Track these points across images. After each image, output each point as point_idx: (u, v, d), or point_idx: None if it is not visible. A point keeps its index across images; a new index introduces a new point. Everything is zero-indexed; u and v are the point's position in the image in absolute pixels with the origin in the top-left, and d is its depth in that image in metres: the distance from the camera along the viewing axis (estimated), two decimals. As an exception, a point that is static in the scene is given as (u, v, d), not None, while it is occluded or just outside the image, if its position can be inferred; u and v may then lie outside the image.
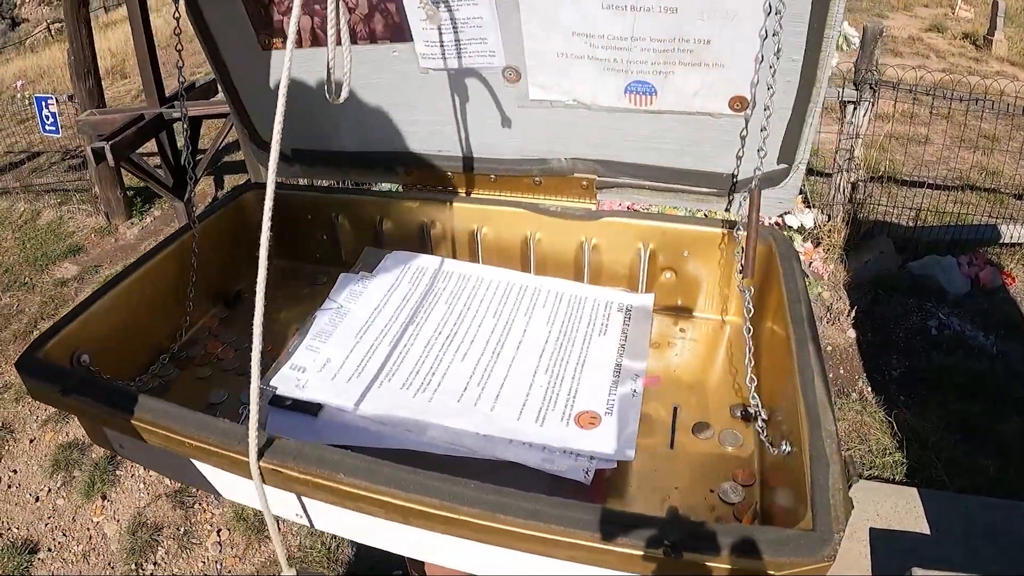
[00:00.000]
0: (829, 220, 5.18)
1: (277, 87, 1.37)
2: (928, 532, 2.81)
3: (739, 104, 1.20)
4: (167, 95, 5.75)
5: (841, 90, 4.87)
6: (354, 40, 1.30)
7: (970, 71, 12.83)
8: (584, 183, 1.35)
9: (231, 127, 5.90)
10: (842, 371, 4.11)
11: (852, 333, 4.37)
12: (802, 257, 4.68)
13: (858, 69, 4.83)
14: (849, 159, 5.03)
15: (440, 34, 1.27)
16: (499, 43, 1.25)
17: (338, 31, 1.00)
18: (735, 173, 1.27)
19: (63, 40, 6.76)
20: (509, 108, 1.33)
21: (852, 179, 5.14)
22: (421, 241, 1.42)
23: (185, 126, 1.43)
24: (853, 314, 4.44)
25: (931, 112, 7.22)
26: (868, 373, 4.10)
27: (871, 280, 4.85)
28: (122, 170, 5.76)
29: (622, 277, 1.32)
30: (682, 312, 1.32)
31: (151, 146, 5.76)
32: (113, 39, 16.86)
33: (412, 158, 1.44)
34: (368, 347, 1.23)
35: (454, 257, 1.40)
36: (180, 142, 6.10)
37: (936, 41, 15.18)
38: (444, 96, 1.35)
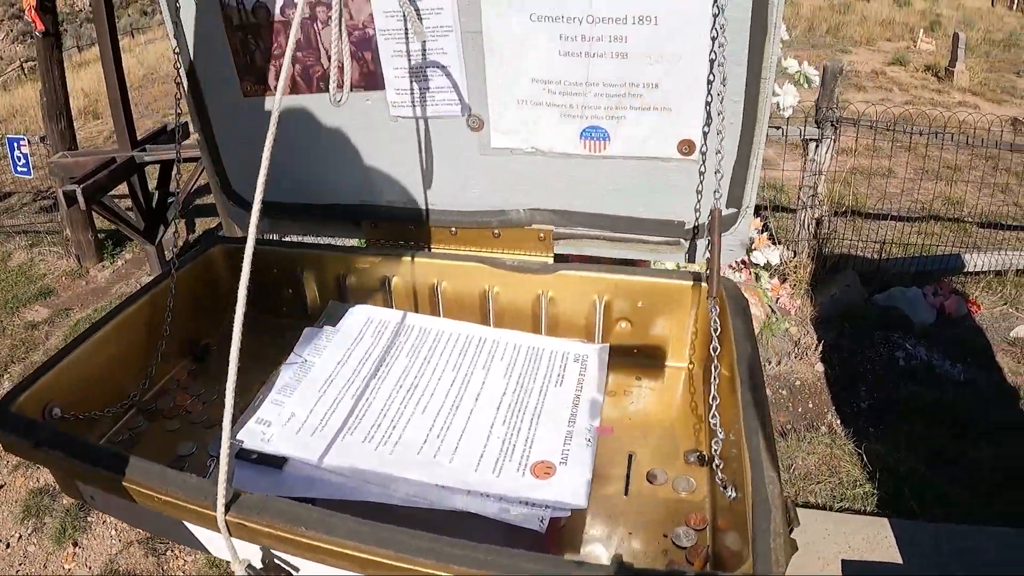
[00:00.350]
0: (795, 256, 5.27)
1: (254, 137, 1.43)
2: (901, 561, 2.85)
3: (687, 148, 1.27)
4: (139, 138, 5.77)
5: (803, 128, 4.97)
6: (328, 88, 1.35)
7: (932, 102, 13.11)
8: (541, 235, 1.40)
9: (202, 171, 5.93)
10: (811, 405, 4.16)
11: (820, 367, 4.43)
12: (769, 293, 4.75)
13: (819, 107, 4.94)
14: (813, 196, 5.12)
15: (411, 82, 1.34)
16: (465, 91, 1.32)
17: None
18: (686, 221, 1.33)
19: (36, 79, 6.77)
20: (472, 156, 1.38)
21: (816, 215, 5.24)
22: (384, 295, 1.45)
23: (178, 174, 1.46)
24: (821, 348, 4.50)
25: (892, 144, 7.37)
26: (837, 406, 4.15)
27: (838, 314, 4.92)
28: (93, 213, 5.75)
29: (578, 328, 1.36)
30: (637, 361, 1.36)
31: (122, 188, 5.75)
32: (86, 79, 16.85)
33: (377, 211, 1.48)
34: (331, 401, 1.26)
35: (415, 311, 1.44)
36: (152, 185, 6.11)
37: (899, 74, 15.50)
38: (411, 144, 1.40)
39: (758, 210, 5.96)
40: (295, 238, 1.65)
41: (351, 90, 1.34)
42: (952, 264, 5.67)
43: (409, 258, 1.42)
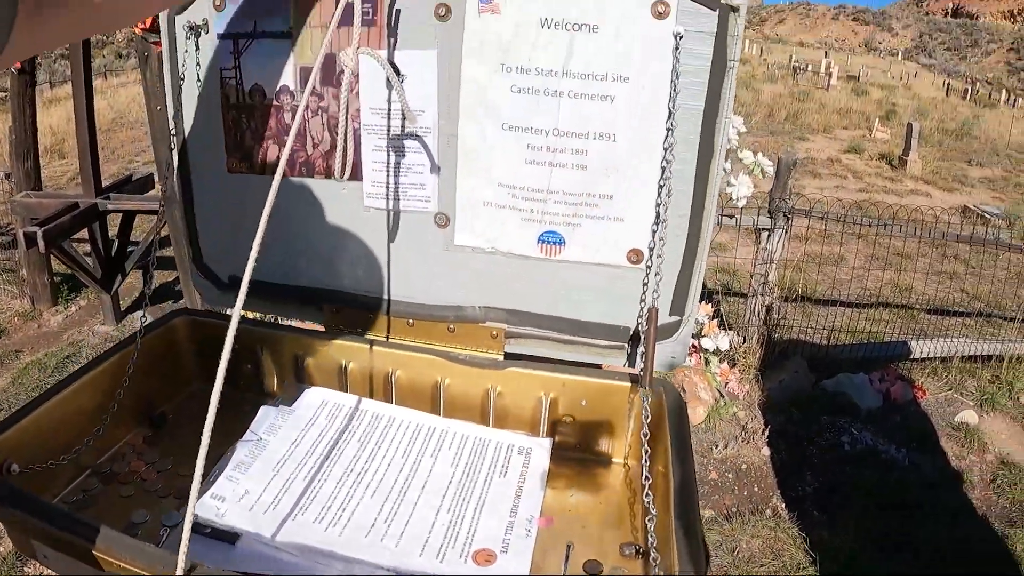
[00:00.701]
0: (744, 341, 5.39)
1: (232, 213, 1.50)
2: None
3: (635, 257, 1.36)
4: (104, 185, 5.78)
5: (756, 218, 5.13)
6: (311, 174, 1.46)
7: (886, 190, 13.58)
8: (494, 332, 1.47)
9: (163, 223, 5.94)
10: (756, 488, 4.23)
11: (766, 451, 4.51)
12: (718, 378, 4.85)
13: (772, 198, 5.11)
14: (764, 283, 5.27)
15: (387, 176, 1.42)
16: (435, 190, 1.41)
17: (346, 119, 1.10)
18: (631, 326, 1.41)
19: (5, 112, 6.77)
20: (436, 252, 1.46)
21: (767, 302, 5.38)
22: (340, 379, 1.51)
23: (155, 242, 1.50)
24: (767, 432, 4.59)
25: (844, 232, 7.59)
26: (782, 490, 4.22)
27: (786, 399, 5.03)
28: (51, 256, 5.74)
29: (524, 422, 1.43)
30: (579, 455, 1.42)
31: (82, 233, 5.75)
32: (55, 116, 16.77)
33: (340, 296, 1.54)
34: (285, 480, 1.30)
35: (370, 396, 1.49)
36: (112, 232, 6.11)
37: (854, 162, 15.99)
38: (380, 235, 1.48)
39: (710, 295, 6.13)
40: (255, 317, 1.70)
41: (327, 178, 1.43)
42: (899, 351, 5.82)
43: (367, 345, 1.47)
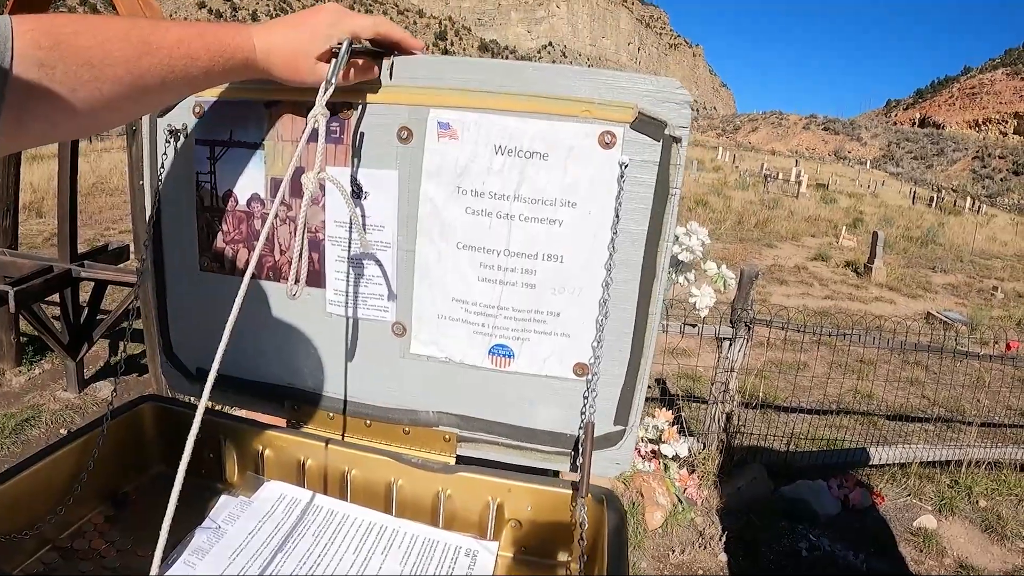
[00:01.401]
0: (704, 448, 5.45)
1: (203, 308, 1.57)
2: None
3: (581, 370, 1.44)
4: (80, 251, 5.81)
5: (718, 328, 5.26)
6: (278, 278, 1.53)
7: (851, 297, 13.89)
8: (446, 436, 1.54)
9: (135, 297, 5.94)
10: (712, 593, 4.23)
11: (723, 557, 4.52)
12: (677, 483, 4.89)
13: (734, 309, 5.24)
14: (724, 391, 5.36)
15: (348, 285, 1.50)
16: (393, 301, 1.49)
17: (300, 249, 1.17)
18: (575, 434, 1.48)
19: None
20: (392, 358, 1.53)
21: (727, 410, 5.46)
22: (297, 474, 1.55)
23: (129, 326, 1.56)
24: (725, 538, 4.61)
25: (806, 339, 7.73)
26: (739, 595, 4.23)
27: (744, 505, 5.06)
28: (20, 316, 5.72)
29: (472, 524, 1.47)
30: (523, 558, 1.46)
31: (53, 296, 5.75)
32: (37, 174, 16.81)
33: (302, 395, 1.61)
34: (240, 569, 1.33)
35: (325, 493, 1.53)
36: (83, 299, 6.10)
37: (820, 269, 16.37)
38: (340, 340, 1.55)
39: (672, 401, 6.21)
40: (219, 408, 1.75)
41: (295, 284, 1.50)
42: (858, 457, 5.90)
43: (324, 444, 1.52)
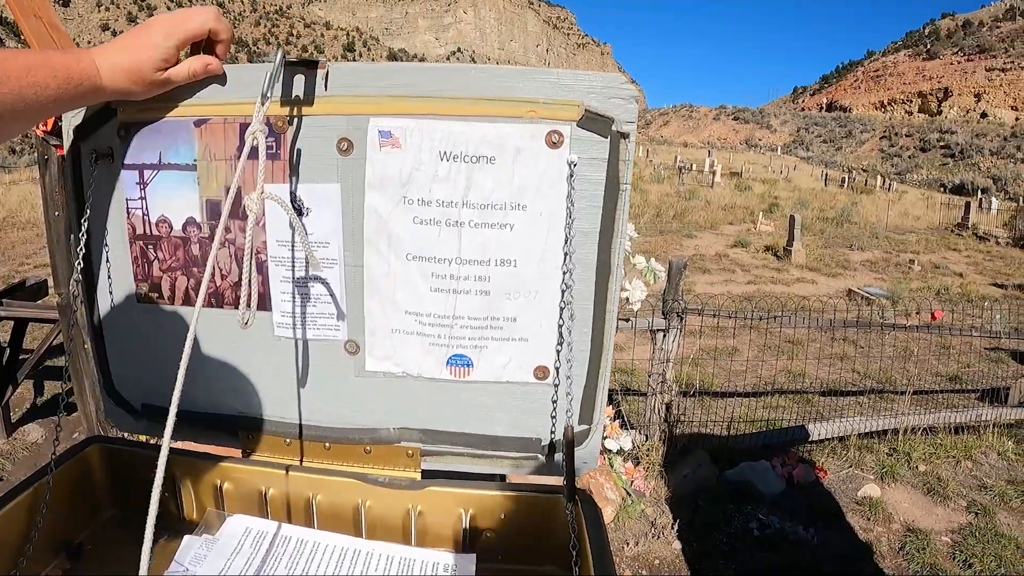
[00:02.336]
0: (647, 440, 5.51)
1: (142, 342, 1.50)
2: None
3: (541, 373, 1.43)
4: (-1, 290, 5.62)
5: (651, 320, 5.31)
6: (220, 304, 1.47)
7: (773, 280, 14.20)
8: (409, 452, 1.50)
9: (57, 333, 5.76)
10: (670, 582, 4.27)
11: (677, 544, 4.57)
12: (623, 476, 4.93)
13: (665, 300, 5.31)
14: (662, 382, 5.42)
15: (295, 306, 1.45)
16: (344, 318, 1.45)
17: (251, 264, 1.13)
18: (542, 438, 1.47)
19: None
20: (347, 378, 1.49)
21: (666, 400, 5.52)
22: (260, 505, 1.50)
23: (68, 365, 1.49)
24: (677, 526, 4.65)
25: (736, 324, 7.88)
26: (697, 581, 4.28)
27: (691, 492, 5.13)
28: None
29: (446, 539, 1.45)
30: (502, 567, 1.44)
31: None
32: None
33: (255, 423, 1.55)
34: (216, 612, 1.30)
35: (290, 522, 1.49)
36: (4, 339, 5.88)
37: (741, 255, 16.71)
38: (291, 363, 1.50)
39: (611, 397, 6.25)
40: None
41: (236, 308, 1.45)
42: (797, 435, 6.01)
43: (284, 471, 1.48)
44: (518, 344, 1.41)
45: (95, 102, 1.19)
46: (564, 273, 1.33)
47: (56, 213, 4.33)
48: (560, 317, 1.36)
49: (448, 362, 1.44)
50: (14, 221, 18.08)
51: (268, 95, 1.21)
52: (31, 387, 6.89)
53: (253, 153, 1.22)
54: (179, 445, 1.64)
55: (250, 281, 1.26)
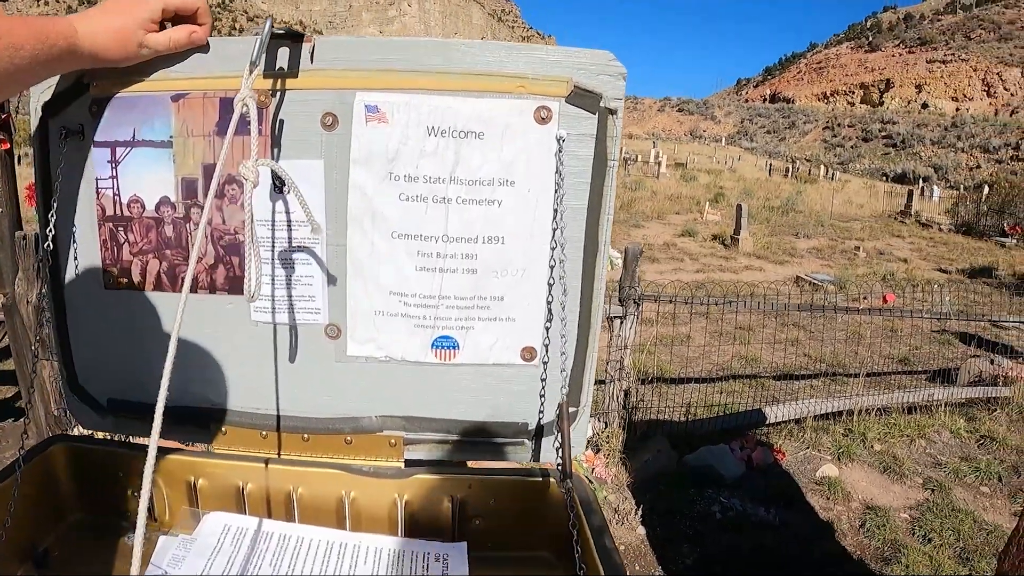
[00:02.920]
0: (607, 427, 5.52)
1: (110, 331, 1.43)
2: None
3: (529, 354, 1.39)
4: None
5: (608, 307, 5.33)
6: (194, 289, 1.39)
7: (722, 268, 14.38)
8: (392, 441, 1.45)
9: (3, 335, 5.58)
10: (637, 567, 4.28)
11: (642, 530, 4.58)
12: (585, 464, 4.93)
13: (622, 287, 5.33)
14: (620, 368, 5.44)
15: (273, 289, 1.39)
16: (325, 301, 1.39)
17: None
18: (529, 422, 1.43)
19: None
20: (327, 364, 1.43)
21: (625, 387, 5.54)
22: (238, 501, 1.44)
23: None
24: (640, 512, 4.67)
25: (690, 312, 7.93)
26: (663, 564, 4.30)
27: (652, 478, 5.16)
28: None
29: (435, 528, 1.40)
30: (494, 553, 1.41)
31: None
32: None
33: (229, 415, 1.48)
34: (199, 613, 1.24)
35: (270, 517, 1.43)
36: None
37: (689, 244, 16.90)
38: (268, 350, 1.43)
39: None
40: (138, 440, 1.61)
41: (211, 293, 1.39)
42: (754, 418, 6.09)
43: (262, 464, 1.43)
44: (505, 324, 1.38)
45: (71, 67, 1.13)
46: (552, 249, 1.30)
47: (0, 210, 4.16)
48: (550, 294, 1.33)
49: (433, 344, 1.39)
50: None
51: (257, 63, 1.16)
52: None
53: (240, 126, 1.16)
54: (145, 441, 1.57)
55: (252, 258, 1.20)
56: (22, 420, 5.77)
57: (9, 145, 3.70)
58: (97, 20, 1.12)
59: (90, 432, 1.60)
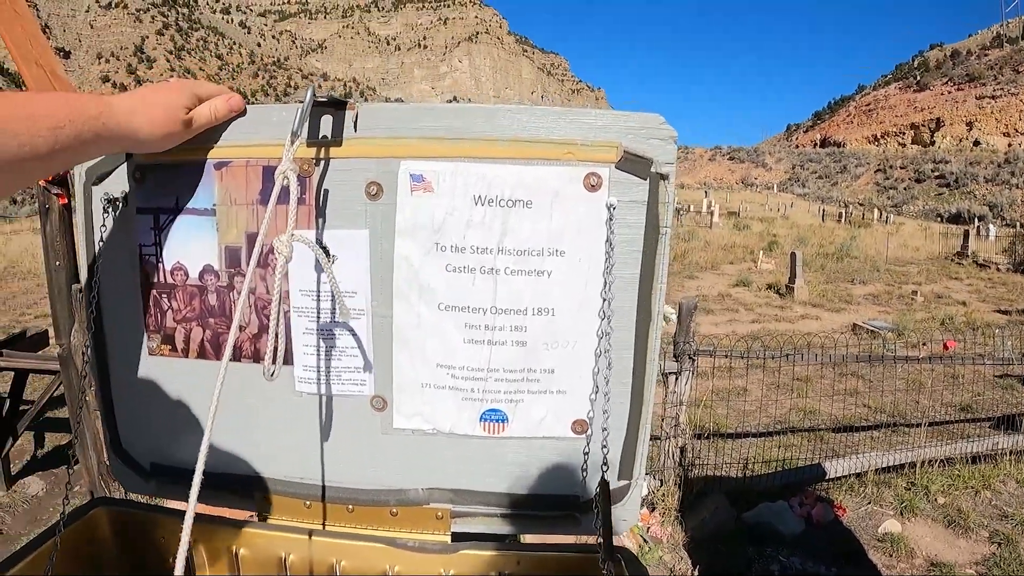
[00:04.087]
0: (662, 485, 5.41)
1: (153, 397, 1.41)
2: None
3: (580, 427, 1.34)
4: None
5: (663, 363, 5.25)
6: (238, 358, 1.38)
7: (777, 318, 14.14)
8: (439, 514, 1.41)
9: (59, 384, 5.68)
10: (693, 631, 4.15)
11: (698, 592, 4.45)
12: (640, 523, 4.82)
13: (676, 342, 5.25)
14: (676, 425, 5.34)
15: (319, 359, 1.37)
16: (371, 373, 1.37)
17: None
18: (580, 495, 1.38)
19: None
20: (373, 436, 1.40)
21: (680, 443, 5.43)
22: (279, 572, 1.41)
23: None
24: (696, 573, 4.54)
25: (743, 366, 7.79)
26: (721, 628, 4.16)
27: (709, 536, 5.02)
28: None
29: (481, 606, 1.37)
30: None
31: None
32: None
33: (273, 483, 1.46)
34: None
35: (313, 590, 1.41)
36: (4, 390, 5.80)
37: (743, 294, 16.68)
38: (313, 421, 1.41)
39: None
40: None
41: (255, 362, 1.37)
42: (814, 473, 5.92)
43: (306, 535, 1.40)
44: (556, 397, 1.33)
45: (99, 148, 1.08)
46: (602, 320, 1.26)
47: (57, 263, 4.26)
48: (595, 366, 1.28)
49: (481, 418, 1.35)
50: (15, 271, 18.09)
51: (298, 134, 1.15)
52: (31, 439, 6.78)
53: (283, 195, 1.15)
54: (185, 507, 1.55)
55: (278, 330, 1.19)
56: (77, 466, 5.83)
57: (67, 200, 3.77)
58: (138, 100, 1.12)
59: (133, 495, 1.59)
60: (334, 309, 1.33)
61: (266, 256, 1.32)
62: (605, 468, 1.25)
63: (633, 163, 1.22)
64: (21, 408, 5.87)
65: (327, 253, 1.29)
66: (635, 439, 1.36)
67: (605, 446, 1.25)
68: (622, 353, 1.31)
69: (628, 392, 1.33)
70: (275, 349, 1.20)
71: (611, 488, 1.34)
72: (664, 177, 1.23)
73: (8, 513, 5.50)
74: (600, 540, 1.24)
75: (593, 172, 1.22)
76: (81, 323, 3.96)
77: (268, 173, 1.28)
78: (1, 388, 5.80)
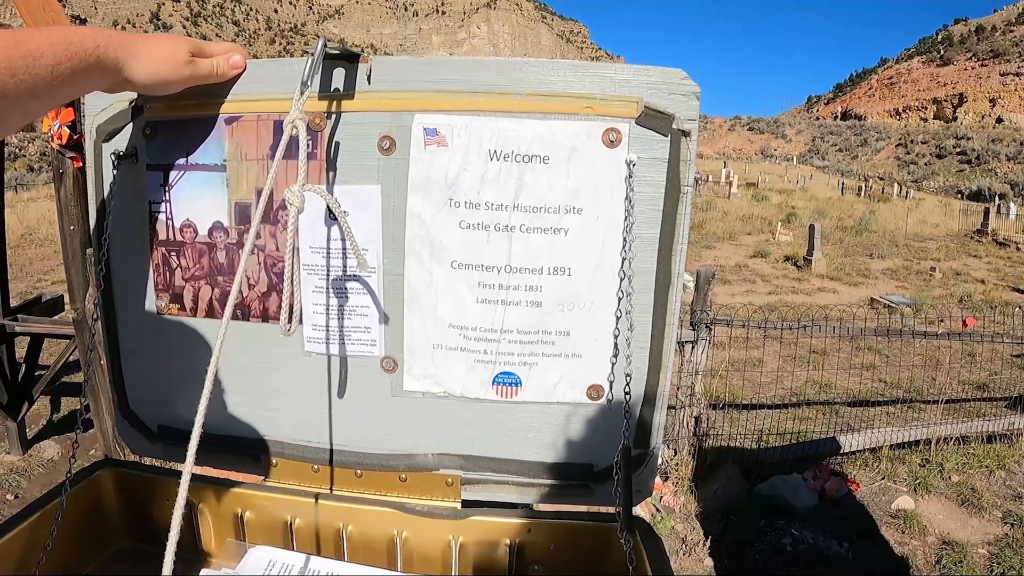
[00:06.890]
0: (676, 454, 5.39)
1: (161, 356, 1.39)
2: None
3: (596, 393, 1.30)
4: (12, 305, 5.55)
5: (679, 332, 5.22)
6: (247, 317, 1.35)
7: (794, 290, 14.05)
8: (449, 480, 1.38)
9: (74, 348, 5.69)
10: (704, 602, 4.14)
11: (709, 562, 4.44)
12: (653, 492, 4.82)
13: (694, 311, 5.20)
14: (691, 395, 5.31)
15: (328, 319, 1.33)
16: (381, 333, 1.33)
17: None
18: (595, 464, 1.34)
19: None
20: (383, 398, 1.37)
21: (695, 413, 5.40)
22: (285, 536, 1.39)
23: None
24: (708, 543, 4.53)
25: (760, 337, 7.73)
26: (730, 600, 4.15)
27: (722, 507, 5.00)
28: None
29: (492, 574, 1.33)
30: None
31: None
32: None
33: (280, 446, 1.43)
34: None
35: (319, 554, 1.37)
36: (20, 356, 5.81)
37: (761, 266, 16.56)
38: (322, 382, 1.38)
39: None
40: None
41: (264, 321, 1.34)
42: (828, 447, 5.89)
43: (313, 499, 1.37)
44: (571, 360, 1.29)
45: (105, 84, 1.04)
46: (621, 281, 1.21)
47: (72, 227, 4.24)
48: (616, 328, 1.24)
49: (494, 381, 1.31)
50: (32, 238, 18.14)
51: (308, 84, 1.10)
52: (47, 403, 6.81)
53: (291, 149, 1.12)
54: (195, 470, 1.52)
55: (293, 286, 1.15)
56: (91, 431, 5.87)
57: (82, 163, 3.74)
58: (141, 43, 1.07)
59: (139, 457, 1.56)
60: (345, 266, 1.30)
61: (276, 212, 1.29)
62: (626, 434, 1.21)
63: (654, 119, 1.18)
64: (37, 373, 5.89)
65: (338, 208, 1.25)
66: (653, 406, 1.32)
67: (627, 411, 1.21)
68: (641, 316, 1.26)
69: (647, 357, 1.29)
70: (291, 305, 1.16)
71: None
72: (686, 134, 1.18)
73: (24, 477, 5.53)
74: (619, 510, 1.21)
75: (612, 127, 1.18)
76: (93, 284, 3.96)
77: (279, 128, 1.24)
78: (17, 353, 5.80)
